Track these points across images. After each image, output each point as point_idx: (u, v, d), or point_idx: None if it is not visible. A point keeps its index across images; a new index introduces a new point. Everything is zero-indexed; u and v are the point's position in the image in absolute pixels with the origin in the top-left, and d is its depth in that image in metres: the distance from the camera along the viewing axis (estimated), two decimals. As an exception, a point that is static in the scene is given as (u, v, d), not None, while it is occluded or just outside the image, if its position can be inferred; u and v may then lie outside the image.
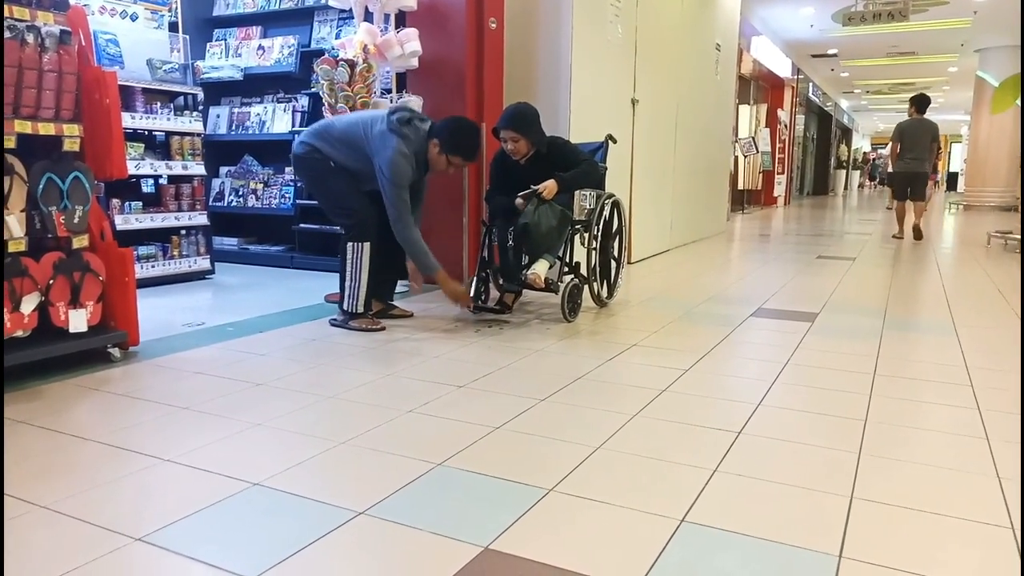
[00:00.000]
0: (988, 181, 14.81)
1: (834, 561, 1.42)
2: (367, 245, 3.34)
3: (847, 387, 2.59)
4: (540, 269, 3.51)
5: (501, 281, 3.72)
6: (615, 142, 4.09)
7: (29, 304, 2.53)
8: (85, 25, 2.75)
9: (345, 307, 3.37)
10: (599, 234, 3.83)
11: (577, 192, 3.68)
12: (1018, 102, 12.79)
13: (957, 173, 27.25)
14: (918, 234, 8.23)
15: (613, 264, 4.13)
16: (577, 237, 3.80)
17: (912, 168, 8.22)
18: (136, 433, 2.07)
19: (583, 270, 3.85)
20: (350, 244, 3.32)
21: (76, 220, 2.68)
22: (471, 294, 3.68)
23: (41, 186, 2.58)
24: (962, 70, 16.79)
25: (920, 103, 8.19)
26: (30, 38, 2.50)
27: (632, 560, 1.42)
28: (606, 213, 3.94)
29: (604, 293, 4.01)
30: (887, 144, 12.49)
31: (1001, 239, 7.60)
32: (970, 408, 2.39)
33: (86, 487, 1.71)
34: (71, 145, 2.67)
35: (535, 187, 3.50)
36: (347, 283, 3.35)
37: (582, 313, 3.80)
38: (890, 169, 9.04)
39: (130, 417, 2.20)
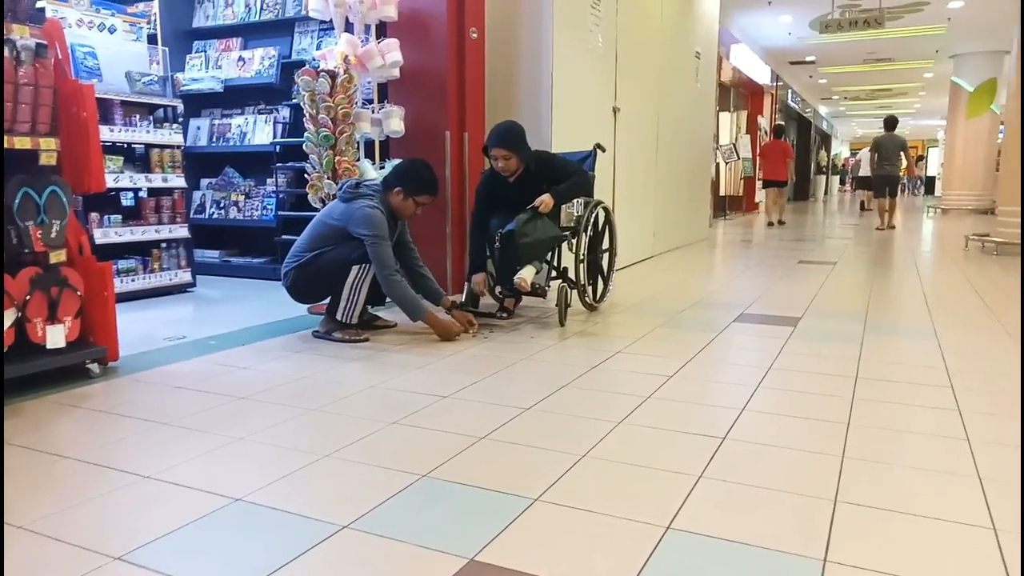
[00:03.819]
0: (965, 185, 15.01)
1: (819, 565, 1.43)
2: (373, 268, 3.36)
3: (830, 391, 2.61)
4: (526, 274, 3.55)
5: (498, 289, 3.75)
6: (603, 150, 4.12)
7: (6, 320, 2.49)
8: (62, 38, 2.73)
9: (339, 317, 3.36)
10: (588, 240, 3.88)
11: None
12: (993, 107, 13.02)
13: (935, 177, 27.62)
14: (889, 222, 10.58)
15: (603, 269, 4.18)
16: (566, 244, 3.84)
17: (888, 172, 10.55)
18: (116, 450, 2.04)
19: (571, 275, 3.89)
20: (355, 266, 3.33)
21: (53, 235, 2.65)
22: (463, 299, 3.78)
23: (17, 200, 2.55)
24: (937, 76, 17.04)
25: (889, 123, 10.71)
26: (5, 51, 2.47)
27: (619, 568, 1.42)
28: (599, 219, 4.01)
29: (590, 298, 4.03)
30: (862, 149, 15.98)
31: (979, 242, 7.70)
32: (951, 410, 2.41)
33: (65, 506, 1.69)
34: (48, 159, 2.64)
35: (533, 204, 3.55)
36: (346, 296, 3.35)
37: (571, 318, 3.82)
38: (862, 173, 12.86)
39: (110, 434, 2.17)
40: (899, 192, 11.42)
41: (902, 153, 10.62)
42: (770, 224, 11.40)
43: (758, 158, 12.72)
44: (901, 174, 10.94)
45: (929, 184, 29.36)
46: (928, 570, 1.42)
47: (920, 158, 31.49)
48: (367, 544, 1.51)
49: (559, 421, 2.29)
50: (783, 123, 12.77)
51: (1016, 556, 1.47)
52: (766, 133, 16.04)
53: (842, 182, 29.62)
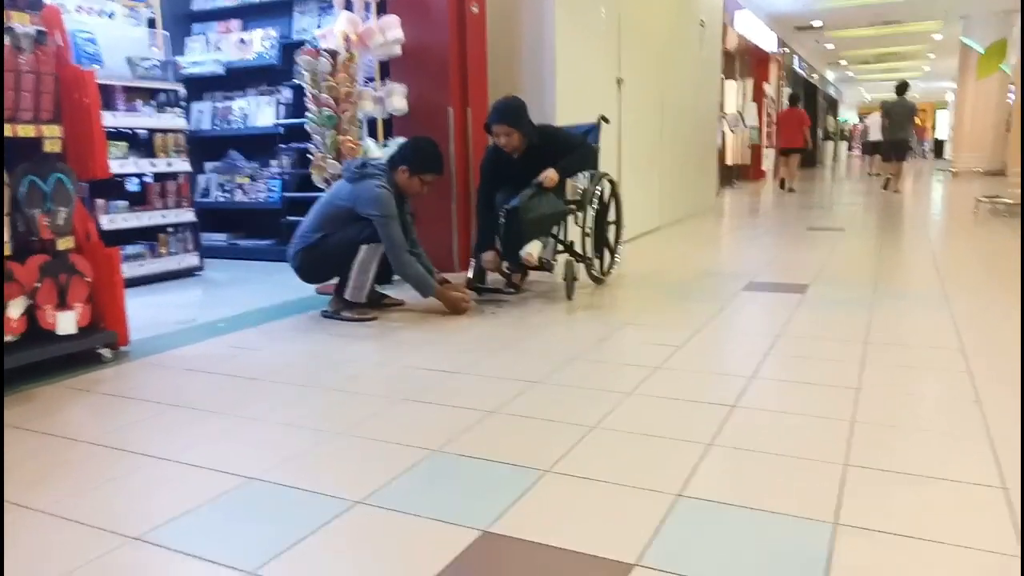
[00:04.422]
0: (974, 147, 14.85)
1: (829, 528, 1.44)
2: (381, 247, 3.36)
3: (839, 357, 2.60)
4: (533, 249, 3.55)
5: (505, 264, 3.75)
6: (608, 122, 4.09)
7: (16, 308, 2.51)
8: (61, 24, 2.71)
9: (348, 296, 3.37)
10: (595, 213, 3.86)
11: None
12: (1003, 67, 12.82)
13: (944, 141, 27.29)
14: (895, 186, 10.79)
15: (610, 242, 4.17)
16: (572, 217, 3.82)
17: (899, 137, 10.74)
18: (130, 432, 2.06)
19: (578, 248, 3.88)
20: (364, 246, 3.33)
21: (60, 222, 2.66)
22: (471, 275, 3.78)
23: (23, 189, 2.56)
24: (947, 38, 16.74)
25: (900, 88, 10.79)
26: (6, 39, 2.46)
27: (630, 536, 1.43)
28: (604, 192, 3.99)
29: (597, 271, 4.02)
30: (870, 115, 16.49)
31: (989, 204, 7.63)
32: (962, 373, 2.40)
33: (81, 489, 1.71)
34: (52, 146, 2.64)
35: (538, 179, 3.54)
36: (354, 275, 3.35)
37: (578, 292, 3.81)
38: (871, 138, 13.91)
39: (124, 417, 2.20)
40: (908, 155, 11.73)
41: (912, 118, 10.84)
42: (782, 185, 11.79)
43: (775, 126, 13.00)
44: (911, 138, 11.32)
45: (938, 148, 29.03)
46: (939, 531, 1.42)
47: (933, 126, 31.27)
48: (381, 519, 1.53)
49: (568, 394, 2.29)
50: (794, 91, 12.98)
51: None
52: (773, 101, 15.87)
53: (849, 148, 29.57)
